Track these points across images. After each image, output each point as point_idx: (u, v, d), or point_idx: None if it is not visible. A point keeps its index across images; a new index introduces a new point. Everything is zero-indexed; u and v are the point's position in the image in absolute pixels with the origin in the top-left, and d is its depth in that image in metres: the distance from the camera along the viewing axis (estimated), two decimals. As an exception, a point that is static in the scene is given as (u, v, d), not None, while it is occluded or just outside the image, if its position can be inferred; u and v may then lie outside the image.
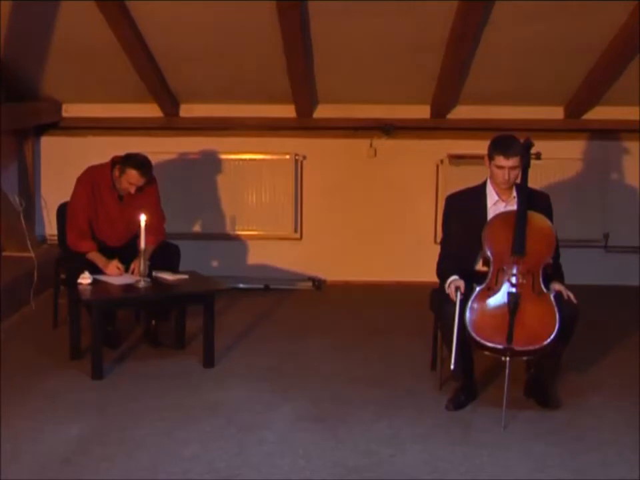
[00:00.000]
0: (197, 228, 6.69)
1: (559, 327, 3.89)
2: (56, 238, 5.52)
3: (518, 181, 4.23)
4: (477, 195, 4.32)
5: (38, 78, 6.07)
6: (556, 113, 6.41)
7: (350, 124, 6.48)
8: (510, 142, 4.18)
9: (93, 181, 5.05)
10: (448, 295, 4.09)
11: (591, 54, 5.61)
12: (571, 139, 6.52)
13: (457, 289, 4.05)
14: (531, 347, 3.92)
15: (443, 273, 4.25)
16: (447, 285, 4.13)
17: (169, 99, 6.32)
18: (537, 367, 4.24)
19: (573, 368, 4.64)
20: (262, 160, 6.60)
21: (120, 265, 4.89)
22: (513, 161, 4.13)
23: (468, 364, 4.19)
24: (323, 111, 6.47)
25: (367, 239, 6.67)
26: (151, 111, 6.42)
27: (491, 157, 4.20)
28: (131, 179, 4.92)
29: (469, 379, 4.24)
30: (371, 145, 6.60)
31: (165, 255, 5.03)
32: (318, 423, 3.95)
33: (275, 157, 6.60)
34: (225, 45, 5.58)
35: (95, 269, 4.84)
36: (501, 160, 4.14)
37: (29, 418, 3.96)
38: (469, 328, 3.95)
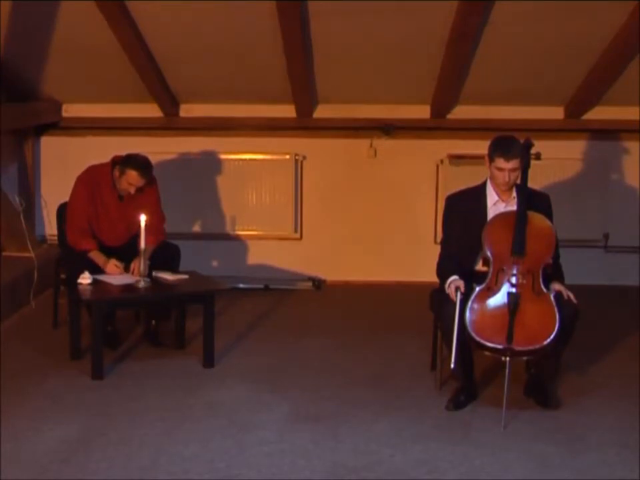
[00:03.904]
0: (196, 228, 6.69)
1: (559, 327, 3.89)
2: (56, 238, 5.52)
3: (518, 181, 4.24)
4: (476, 195, 4.32)
5: (38, 78, 6.06)
6: (556, 112, 6.41)
7: (350, 124, 6.47)
8: (510, 144, 4.17)
9: (93, 180, 5.06)
10: (448, 295, 4.09)
11: (591, 54, 5.60)
12: (571, 139, 6.52)
13: (457, 289, 4.05)
14: (530, 347, 3.92)
15: (442, 273, 4.25)
16: (447, 285, 4.13)
17: (168, 99, 6.32)
18: (537, 367, 4.24)
19: (573, 368, 4.64)
20: (262, 160, 6.60)
21: (118, 263, 4.89)
22: (513, 163, 4.13)
23: (468, 364, 4.19)
24: (322, 111, 6.47)
25: (367, 239, 6.67)
26: (151, 111, 6.41)
27: (491, 159, 4.19)
28: (131, 179, 4.92)
29: (469, 379, 4.24)
30: (371, 145, 6.60)
31: (165, 255, 5.03)
32: (318, 423, 3.95)
33: (275, 156, 6.60)
34: (225, 45, 5.58)
35: (95, 269, 4.84)
36: (501, 162, 4.14)
37: (29, 418, 3.96)
38: (469, 328, 3.95)
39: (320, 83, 6.12)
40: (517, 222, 4.12)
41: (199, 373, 4.65)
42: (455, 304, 4.00)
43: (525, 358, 4.08)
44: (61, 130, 6.59)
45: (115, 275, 4.85)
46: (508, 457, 3.63)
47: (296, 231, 6.68)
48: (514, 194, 4.26)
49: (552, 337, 3.88)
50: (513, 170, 4.15)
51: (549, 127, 6.35)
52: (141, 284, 4.69)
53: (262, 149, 6.61)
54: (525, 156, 4.23)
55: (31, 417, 3.98)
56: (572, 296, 4.06)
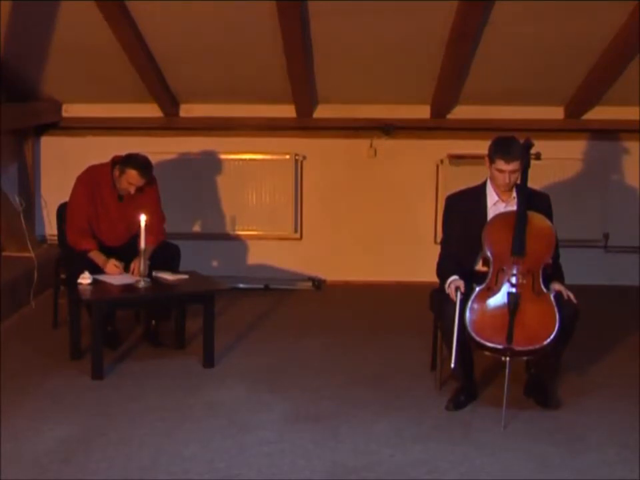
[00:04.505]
0: (196, 228, 6.69)
1: (559, 327, 3.89)
2: (56, 238, 5.52)
3: (518, 181, 4.24)
4: (476, 195, 4.32)
5: (38, 78, 6.07)
6: (556, 112, 6.41)
7: (350, 124, 6.48)
8: (510, 145, 4.17)
9: (93, 180, 5.06)
10: (448, 295, 4.09)
11: (591, 54, 5.61)
12: (571, 139, 6.52)
13: (457, 288, 4.05)
14: (530, 347, 3.92)
15: (442, 273, 4.25)
16: (447, 285, 4.13)
17: (168, 99, 6.32)
18: (537, 367, 4.24)
19: (573, 368, 4.64)
20: (262, 160, 6.60)
21: (118, 263, 4.89)
22: (513, 165, 4.12)
23: (468, 364, 4.19)
24: (322, 111, 6.47)
25: (367, 239, 6.67)
26: (151, 110, 6.42)
27: (491, 160, 4.19)
28: (131, 179, 4.92)
29: (469, 380, 4.24)
30: (371, 145, 6.60)
31: (165, 255, 5.03)
32: (318, 423, 3.95)
33: (275, 156, 6.60)
34: (225, 45, 5.58)
35: (95, 269, 4.84)
36: (501, 164, 4.13)
37: (29, 418, 3.96)
38: (469, 328, 3.95)
39: (320, 83, 6.12)
40: (517, 222, 4.12)
41: (199, 373, 4.65)
42: (454, 304, 4.00)
43: (525, 358, 4.08)
44: (61, 130, 6.59)
45: (115, 275, 4.85)
46: (508, 457, 3.63)
47: (296, 231, 6.68)
48: (514, 194, 4.26)
49: (552, 336, 3.88)
50: (513, 171, 4.15)
51: (549, 127, 6.36)
52: (141, 284, 4.69)
53: (262, 148, 6.61)
54: (525, 156, 4.23)
55: (31, 417, 3.98)
56: (572, 296, 4.06)
